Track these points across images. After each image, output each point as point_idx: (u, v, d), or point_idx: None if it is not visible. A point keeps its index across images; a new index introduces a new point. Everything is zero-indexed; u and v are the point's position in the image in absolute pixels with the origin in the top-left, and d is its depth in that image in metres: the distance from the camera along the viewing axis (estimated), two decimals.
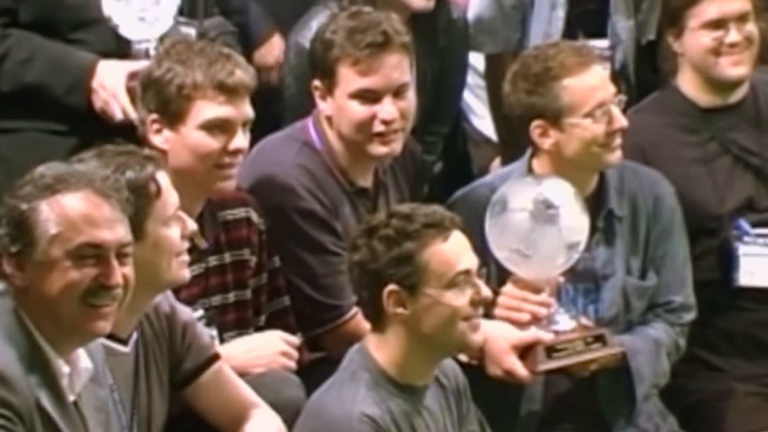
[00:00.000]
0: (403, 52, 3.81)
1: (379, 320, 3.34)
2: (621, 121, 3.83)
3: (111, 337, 3.03)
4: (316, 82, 3.78)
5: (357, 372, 3.32)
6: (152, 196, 3.13)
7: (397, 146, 3.79)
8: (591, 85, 3.87)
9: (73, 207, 2.78)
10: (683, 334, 3.99)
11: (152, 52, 3.79)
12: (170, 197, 3.20)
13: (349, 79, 3.71)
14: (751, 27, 4.14)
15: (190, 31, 4.09)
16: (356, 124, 3.73)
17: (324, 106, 3.77)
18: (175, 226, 3.20)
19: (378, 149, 3.76)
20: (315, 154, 3.82)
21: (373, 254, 3.31)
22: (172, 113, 3.47)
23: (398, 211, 3.41)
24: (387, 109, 3.72)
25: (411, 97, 3.84)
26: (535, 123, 3.88)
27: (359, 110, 3.71)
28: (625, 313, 3.95)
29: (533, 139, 3.92)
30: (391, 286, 3.25)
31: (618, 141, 3.86)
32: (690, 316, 4.00)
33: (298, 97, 4.25)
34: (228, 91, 3.49)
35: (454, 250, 3.37)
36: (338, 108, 3.74)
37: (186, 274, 3.28)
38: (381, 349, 3.35)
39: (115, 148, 3.24)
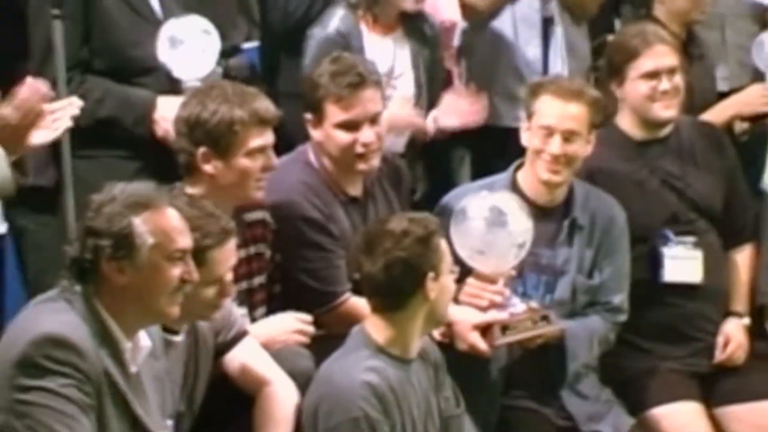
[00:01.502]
0: (376, 87, 3.90)
1: (402, 304, 3.41)
2: (555, 149, 3.89)
3: (167, 330, 3.18)
4: (308, 116, 3.86)
5: (359, 347, 3.41)
6: (228, 239, 3.25)
7: (375, 162, 3.88)
8: (557, 110, 3.95)
9: (164, 221, 2.92)
10: (614, 331, 4.07)
11: None
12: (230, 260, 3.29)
13: (334, 113, 3.80)
14: (679, 79, 4.24)
15: (219, 70, 4.20)
16: (342, 149, 3.82)
17: (315, 134, 3.85)
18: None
19: (360, 166, 3.85)
20: (313, 172, 3.89)
21: (414, 251, 3.38)
22: (222, 147, 3.54)
23: (416, 217, 3.51)
24: (366, 134, 3.80)
25: (383, 122, 3.92)
26: (524, 123, 4.03)
27: (344, 137, 3.80)
28: (571, 303, 4.03)
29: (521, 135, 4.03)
30: (431, 274, 3.36)
31: (555, 166, 3.92)
32: (622, 317, 4.09)
33: None
34: (265, 122, 3.59)
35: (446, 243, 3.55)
36: (326, 136, 3.83)
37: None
38: (380, 328, 3.41)
39: (197, 209, 3.28)
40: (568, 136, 3.90)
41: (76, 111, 3.44)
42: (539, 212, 3.98)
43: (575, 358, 3.96)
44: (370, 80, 3.85)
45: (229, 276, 3.30)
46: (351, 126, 3.80)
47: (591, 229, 4.05)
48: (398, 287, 3.37)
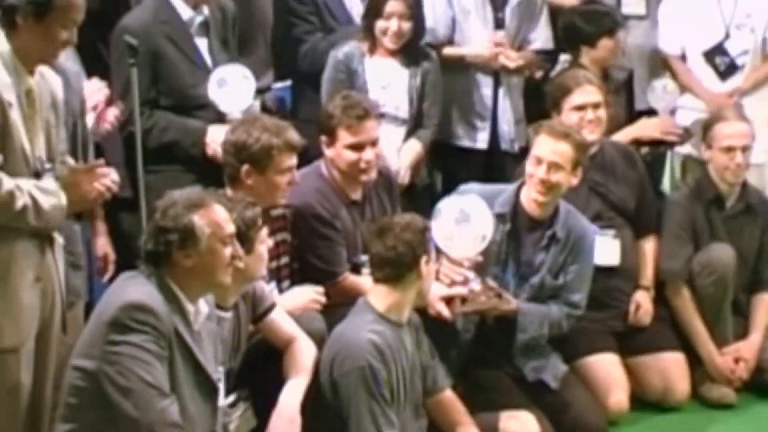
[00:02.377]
0: (376, 118, 3.97)
1: (402, 277, 3.45)
2: (541, 174, 3.90)
3: (219, 307, 3.22)
4: (323, 138, 3.91)
5: (364, 314, 3.47)
6: (259, 227, 3.32)
7: (373, 174, 3.95)
8: (548, 145, 3.93)
9: (214, 215, 2.97)
10: (568, 320, 4.06)
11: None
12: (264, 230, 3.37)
13: (344, 137, 3.87)
14: (602, 112, 4.34)
15: (257, 103, 4.28)
16: (349, 164, 3.90)
17: (328, 152, 3.92)
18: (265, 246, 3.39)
19: (363, 177, 3.94)
20: (324, 181, 3.96)
21: (415, 238, 3.44)
22: (261, 165, 3.59)
23: (414, 216, 3.57)
24: (368, 154, 3.89)
25: (380, 144, 4.00)
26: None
27: (351, 156, 3.88)
28: (538, 293, 4.04)
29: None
30: (424, 257, 3.46)
31: (541, 188, 3.91)
32: (578, 312, 4.07)
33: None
34: (294, 149, 3.66)
35: None
36: (338, 154, 3.90)
37: (264, 273, 3.44)
38: (381, 298, 3.47)
39: (229, 196, 3.40)
40: (553, 167, 3.90)
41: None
42: (531, 222, 4.04)
43: (524, 331, 3.98)
44: (372, 114, 3.94)
45: None
46: (357, 147, 3.88)
47: (566, 241, 4.04)
48: (402, 263, 3.44)
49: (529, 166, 3.99)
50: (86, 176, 3.03)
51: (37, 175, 2.96)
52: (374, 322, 3.45)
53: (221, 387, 3.10)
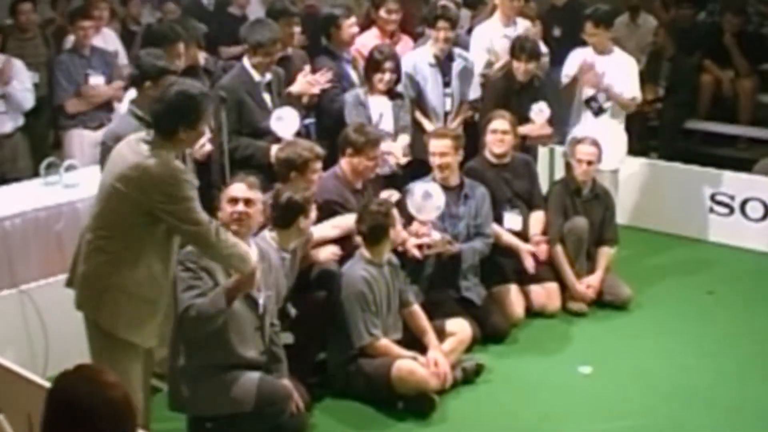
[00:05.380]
0: (381, 141, 4.04)
1: (379, 242, 3.52)
2: (436, 160, 4.00)
3: (283, 250, 3.32)
4: (350, 151, 3.85)
5: (359, 261, 3.56)
6: (312, 203, 3.44)
7: (373, 174, 4.03)
8: (434, 143, 4.00)
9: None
10: (488, 246, 4.14)
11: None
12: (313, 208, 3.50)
13: (368, 154, 3.86)
14: (509, 137, 4.38)
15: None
16: (366, 167, 3.90)
17: (353, 160, 3.88)
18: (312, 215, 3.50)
19: (371, 175, 3.99)
20: (339, 178, 3.93)
21: (384, 221, 3.48)
22: (300, 171, 3.65)
23: (384, 203, 3.58)
24: (375, 162, 3.95)
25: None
26: None
27: (370, 163, 3.89)
28: (465, 231, 4.09)
29: None
30: (391, 228, 3.53)
31: (438, 169, 3.99)
32: (491, 240, 4.16)
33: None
34: (320, 159, 3.70)
35: None
36: (360, 162, 3.88)
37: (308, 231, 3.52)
38: (368, 252, 3.54)
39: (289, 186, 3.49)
40: (442, 155, 4.06)
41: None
42: (449, 189, 4.06)
43: (465, 261, 4.05)
44: (379, 141, 3.98)
45: None
46: (373, 158, 3.91)
47: (474, 198, 4.14)
48: (379, 235, 3.56)
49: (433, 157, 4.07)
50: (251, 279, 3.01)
51: None
52: (365, 265, 3.55)
53: (260, 302, 3.14)
